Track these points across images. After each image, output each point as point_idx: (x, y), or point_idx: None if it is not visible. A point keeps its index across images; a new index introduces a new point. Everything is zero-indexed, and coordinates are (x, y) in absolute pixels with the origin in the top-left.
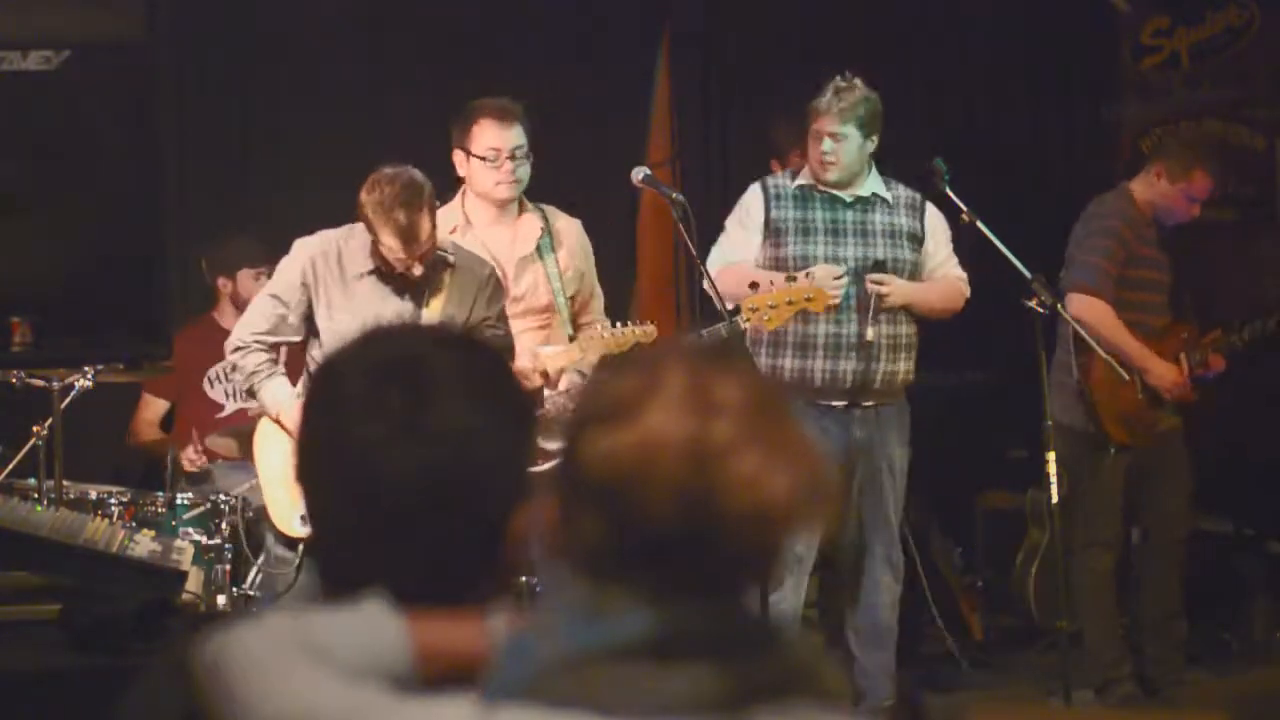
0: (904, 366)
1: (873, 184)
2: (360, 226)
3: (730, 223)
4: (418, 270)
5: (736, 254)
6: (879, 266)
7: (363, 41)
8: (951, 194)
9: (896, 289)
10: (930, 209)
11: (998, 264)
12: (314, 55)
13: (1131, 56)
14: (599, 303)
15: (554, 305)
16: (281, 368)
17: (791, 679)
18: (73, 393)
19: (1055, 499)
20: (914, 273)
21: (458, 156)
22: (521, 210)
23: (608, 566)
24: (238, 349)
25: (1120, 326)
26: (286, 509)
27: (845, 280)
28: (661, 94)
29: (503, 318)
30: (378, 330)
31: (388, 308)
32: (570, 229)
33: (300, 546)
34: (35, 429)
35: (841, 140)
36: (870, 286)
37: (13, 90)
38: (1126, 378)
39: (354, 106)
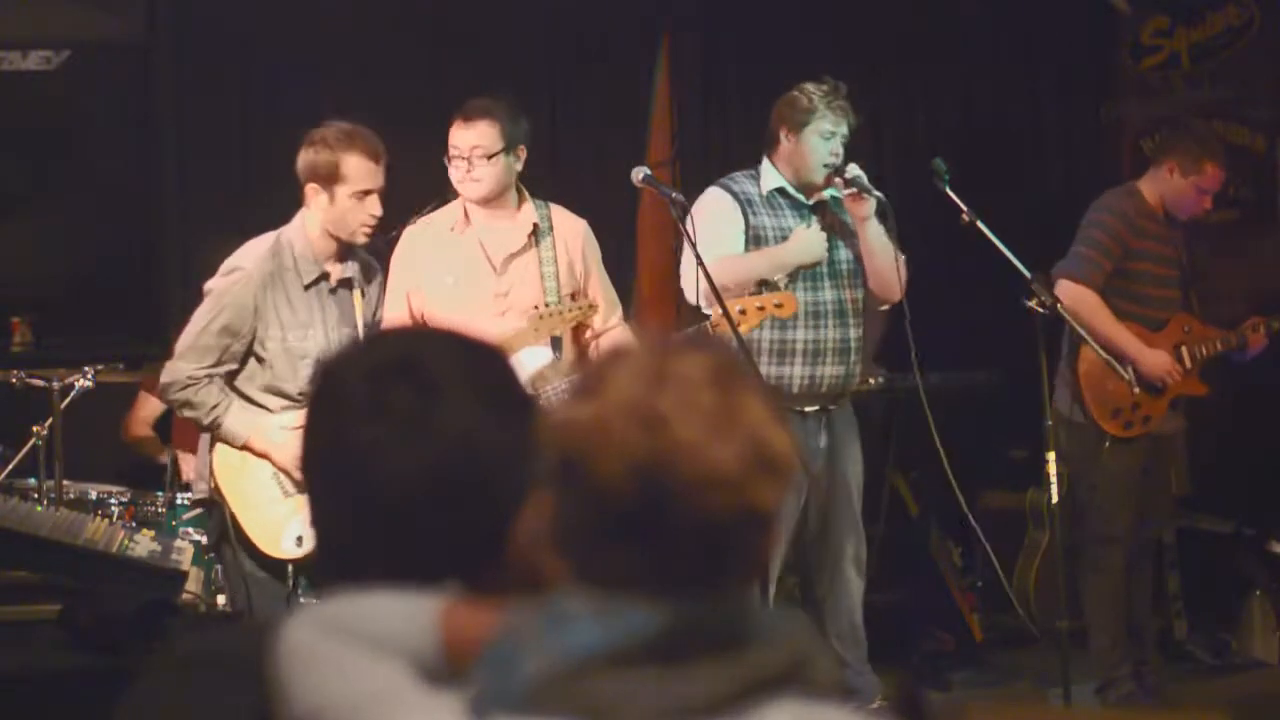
0: (861, 369)
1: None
2: (299, 227)
3: (706, 232)
4: (362, 238)
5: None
6: (846, 271)
7: (362, 42)
8: (951, 194)
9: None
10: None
11: (998, 264)
12: (314, 56)
13: (1131, 56)
14: (616, 312)
15: (543, 301)
16: (233, 395)
17: (793, 670)
18: (73, 393)
19: (1055, 499)
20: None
21: None
22: (521, 205)
23: (584, 549)
24: (188, 385)
25: (1108, 316)
26: (273, 530)
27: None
28: (661, 94)
29: None
30: (378, 332)
31: (329, 317)
32: (571, 227)
33: (290, 567)
34: (35, 429)
35: (844, 138)
36: (863, 193)
37: (13, 90)
38: (1122, 370)
39: (353, 107)
